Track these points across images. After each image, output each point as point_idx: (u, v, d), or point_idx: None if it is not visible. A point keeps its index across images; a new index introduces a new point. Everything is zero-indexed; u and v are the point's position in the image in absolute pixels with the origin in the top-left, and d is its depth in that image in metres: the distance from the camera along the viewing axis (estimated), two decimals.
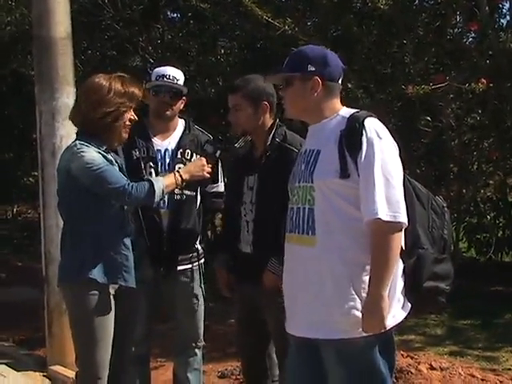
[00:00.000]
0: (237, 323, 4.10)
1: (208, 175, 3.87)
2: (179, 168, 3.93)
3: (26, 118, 10.64)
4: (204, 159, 3.85)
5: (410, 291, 2.95)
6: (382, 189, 2.78)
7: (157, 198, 3.55)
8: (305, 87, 2.98)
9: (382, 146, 2.84)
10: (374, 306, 2.78)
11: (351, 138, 2.85)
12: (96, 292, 3.45)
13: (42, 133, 5.19)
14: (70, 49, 5.25)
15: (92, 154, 3.43)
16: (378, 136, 2.85)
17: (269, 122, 3.80)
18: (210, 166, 3.86)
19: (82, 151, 3.43)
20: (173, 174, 3.72)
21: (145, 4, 8.35)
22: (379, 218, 2.76)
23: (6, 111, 11.82)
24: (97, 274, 3.44)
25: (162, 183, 3.57)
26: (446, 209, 3.10)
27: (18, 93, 10.71)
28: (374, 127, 2.87)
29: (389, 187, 2.80)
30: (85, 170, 3.42)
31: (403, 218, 2.80)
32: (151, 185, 3.50)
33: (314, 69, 2.97)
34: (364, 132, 2.84)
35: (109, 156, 3.52)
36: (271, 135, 3.76)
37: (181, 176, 3.69)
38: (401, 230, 2.81)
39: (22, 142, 11.66)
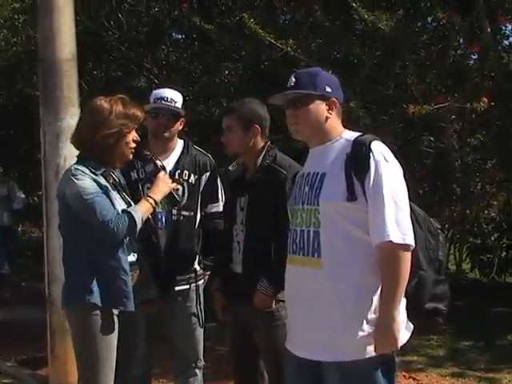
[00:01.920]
0: (229, 343, 4.12)
1: (174, 184, 3.89)
2: (177, 189, 4.00)
3: (30, 138, 10.70)
4: (161, 175, 3.84)
5: (411, 312, 2.96)
6: (391, 212, 2.81)
7: (138, 228, 3.53)
8: (321, 107, 3.01)
9: (390, 169, 2.87)
10: (386, 328, 2.80)
11: (358, 161, 2.87)
12: (98, 314, 3.46)
13: (46, 153, 5.22)
14: (74, 70, 5.29)
15: (84, 182, 3.44)
16: (385, 159, 2.88)
17: (260, 144, 3.87)
18: (167, 177, 3.87)
19: (76, 178, 3.44)
20: (144, 200, 3.68)
21: (149, 25, 8.41)
22: (391, 241, 2.78)
23: (12, 131, 11.89)
24: (97, 298, 3.44)
25: (141, 212, 3.56)
26: (439, 231, 3.13)
27: (24, 113, 10.77)
28: (380, 150, 2.89)
29: (397, 210, 2.82)
30: (76, 197, 3.44)
31: (411, 239, 2.83)
32: (131, 217, 3.48)
33: (331, 90, 3.01)
34: (371, 155, 2.86)
35: (103, 181, 3.50)
36: (261, 157, 3.83)
37: (153, 199, 3.69)
38: (409, 252, 2.83)
39: (27, 162, 11.71)
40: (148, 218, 3.84)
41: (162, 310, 4.13)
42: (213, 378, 5.55)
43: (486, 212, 9.45)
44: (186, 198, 4.15)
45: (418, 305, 2.96)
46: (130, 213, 3.50)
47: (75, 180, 3.44)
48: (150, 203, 3.67)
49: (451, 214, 8.36)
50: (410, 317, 2.96)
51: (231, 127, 3.84)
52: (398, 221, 2.81)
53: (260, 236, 3.73)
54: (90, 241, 3.46)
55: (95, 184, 3.46)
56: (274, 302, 3.73)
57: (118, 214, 3.47)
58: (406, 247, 2.81)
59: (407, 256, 2.82)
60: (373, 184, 2.83)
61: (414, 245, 2.84)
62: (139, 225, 3.52)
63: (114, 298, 3.48)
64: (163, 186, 3.80)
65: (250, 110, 3.84)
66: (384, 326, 2.81)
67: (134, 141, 3.60)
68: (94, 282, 3.45)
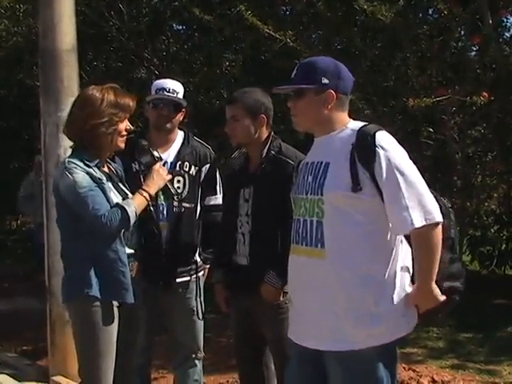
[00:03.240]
0: (234, 336, 4.12)
1: (168, 177, 3.83)
2: (178, 181, 3.99)
3: (31, 129, 10.70)
4: (156, 167, 3.78)
5: None
6: (410, 195, 2.80)
7: (132, 222, 3.50)
8: (318, 100, 2.97)
9: (398, 155, 2.85)
10: (428, 296, 2.87)
11: (364, 151, 2.85)
12: (98, 306, 3.46)
13: (46, 144, 5.21)
14: (75, 60, 5.28)
15: (78, 175, 3.41)
16: (392, 147, 2.87)
17: (264, 134, 3.83)
18: (162, 168, 3.83)
19: (70, 171, 3.42)
20: (138, 193, 3.63)
21: (150, 16, 8.40)
22: (416, 228, 2.79)
23: (12, 122, 11.87)
24: (96, 291, 3.43)
25: (134, 206, 3.51)
26: (450, 209, 3.10)
27: (24, 104, 10.75)
28: (385, 139, 2.88)
29: (416, 191, 2.82)
30: (69, 191, 3.41)
31: (438, 216, 2.82)
32: (124, 210, 3.44)
33: (328, 81, 2.96)
34: (377, 145, 2.84)
35: (97, 174, 3.47)
36: (267, 147, 3.80)
37: (147, 192, 3.65)
38: (438, 227, 2.83)
39: (27, 153, 11.70)
40: (150, 210, 3.83)
41: (163, 301, 4.13)
42: (213, 369, 5.57)
43: (486, 204, 9.44)
44: (186, 189, 4.14)
45: (437, 285, 2.92)
46: (123, 207, 3.46)
47: (68, 174, 3.42)
48: (144, 196, 3.62)
49: (451, 206, 8.35)
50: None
51: (237, 117, 3.78)
52: (420, 201, 2.80)
53: (267, 227, 3.70)
54: (86, 233, 3.45)
55: (88, 177, 3.43)
56: (281, 294, 3.71)
57: (112, 207, 3.44)
58: (433, 226, 2.81)
59: (437, 233, 2.83)
60: (385, 174, 2.81)
61: (441, 219, 2.83)
62: (133, 218, 3.49)
63: (112, 290, 3.48)
64: (158, 178, 3.74)
65: (256, 99, 3.79)
66: (425, 296, 2.86)
67: (126, 130, 3.58)
68: (93, 274, 3.44)
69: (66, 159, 3.52)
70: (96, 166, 3.50)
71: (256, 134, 3.80)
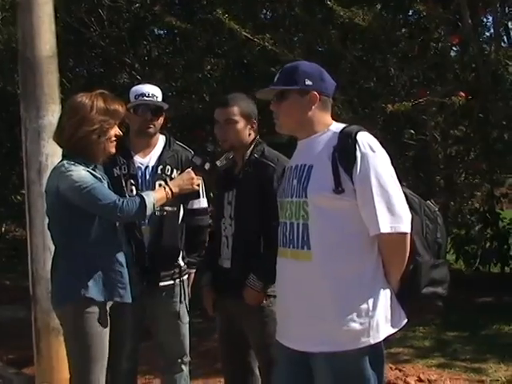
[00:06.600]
0: (219, 339, 4.11)
1: (197, 187, 3.87)
2: (159, 184, 3.99)
3: (13, 136, 10.65)
4: (192, 172, 3.83)
5: (408, 298, 2.97)
6: (381, 202, 2.83)
7: (148, 213, 3.54)
8: (302, 101, 3.00)
9: (377, 159, 2.87)
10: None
11: (344, 153, 2.87)
12: (94, 310, 3.45)
13: (27, 151, 5.18)
14: (55, 67, 5.26)
15: (80, 173, 3.43)
16: (372, 149, 2.88)
17: (252, 138, 3.84)
18: (198, 178, 3.86)
19: (70, 170, 3.42)
20: (162, 188, 3.70)
21: (131, 21, 8.39)
22: (382, 233, 2.83)
23: None
24: (93, 292, 3.43)
25: (153, 197, 3.56)
26: (437, 212, 3.13)
27: (5, 111, 10.70)
28: (366, 141, 2.90)
29: (388, 199, 2.84)
30: (74, 189, 3.41)
31: (404, 227, 2.85)
32: (142, 199, 3.49)
33: (311, 83, 3.00)
34: (357, 147, 2.86)
35: (96, 173, 3.51)
36: (249, 151, 3.81)
37: (171, 189, 3.68)
38: (404, 236, 2.87)
39: (10, 160, 11.63)
40: None
41: (147, 305, 4.12)
42: (199, 373, 5.55)
43: (469, 203, 9.50)
44: None
45: (415, 291, 2.96)
46: (142, 196, 3.52)
47: (69, 172, 3.43)
48: (166, 192, 3.65)
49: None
50: (406, 303, 2.97)
51: (232, 120, 3.77)
52: (390, 209, 2.83)
53: (249, 230, 3.72)
54: (84, 234, 3.45)
55: (89, 174, 3.46)
56: (264, 297, 3.70)
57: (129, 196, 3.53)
58: (399, 236, 2.85)
59: (402, 242, 2.87)
60: (360, 176, 2.84)
61: (408, 231, 2.86)
62: (149, 210, 3.52)
63: (110, 291, 3.48)
64: (187, 181, 3.75)
65: (248, 104, 3.81)
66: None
67: (116, 135, 3.59)
68: (90, 276, 3.44)
69: (64, 161, 3.52)
70: (92, 169, 3.51)
71: (248, 138, 3.81)
